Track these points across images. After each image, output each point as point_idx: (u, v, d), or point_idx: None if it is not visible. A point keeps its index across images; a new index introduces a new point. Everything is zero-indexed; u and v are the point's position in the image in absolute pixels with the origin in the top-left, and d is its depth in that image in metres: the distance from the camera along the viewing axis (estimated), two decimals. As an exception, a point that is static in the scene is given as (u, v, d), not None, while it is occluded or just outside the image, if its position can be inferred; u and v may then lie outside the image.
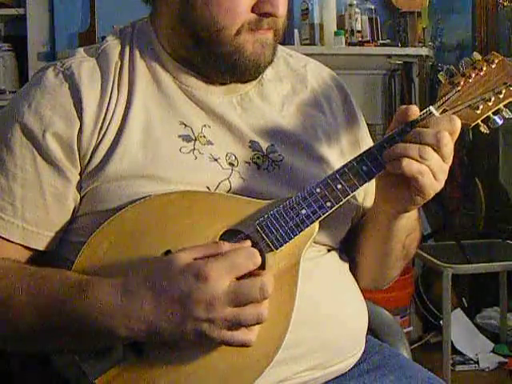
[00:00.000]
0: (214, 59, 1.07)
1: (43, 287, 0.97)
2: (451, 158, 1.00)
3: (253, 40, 1.06)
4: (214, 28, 1.04)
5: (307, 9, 3.18)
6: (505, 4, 3.52)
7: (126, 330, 0.91)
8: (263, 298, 0.91)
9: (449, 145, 0.98)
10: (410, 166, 0.98)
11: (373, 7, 3.33)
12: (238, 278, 0.92)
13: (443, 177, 1.01)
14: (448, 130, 0.99)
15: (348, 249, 1.21)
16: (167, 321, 0.90)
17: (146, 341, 0.94)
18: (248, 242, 0.97)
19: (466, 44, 3.62)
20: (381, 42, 3.30)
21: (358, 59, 3.24)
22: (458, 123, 1.00)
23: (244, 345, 0.92)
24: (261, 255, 0.95)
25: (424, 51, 3.38)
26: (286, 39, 3.05)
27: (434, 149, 0.98)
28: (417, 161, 0.98)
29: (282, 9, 1.04)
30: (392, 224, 1.11)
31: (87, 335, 0.94)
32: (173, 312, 0.90)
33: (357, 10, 3.25)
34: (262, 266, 0.96)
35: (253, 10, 1.04)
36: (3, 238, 1.04)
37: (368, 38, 3.25)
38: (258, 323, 0.92)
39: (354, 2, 3.27)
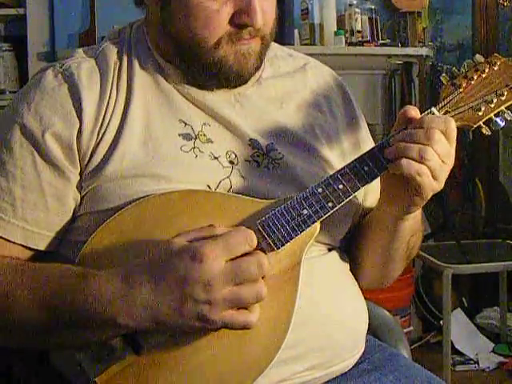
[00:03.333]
0: (196, 68, 1.07)
1: (44, 281, 0.97)
2: (450, 157, 1.00)
3: (234, 51, 1.05)
4: (193, 40, 1.04)
5: (307, 9, 3.17)
6: (505, 4, 3.52)
7: (127, 317, 0.91)
8: (261, 274, 0.91)
9: (441, 143, 0.98)
10: (409, 166, 0.98)
11: (373, 7, 3.32)
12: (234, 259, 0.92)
13: (443, 177, 1.00)
14: (439, 128, 0.98)
15: (350, 248, 1.21)
16: (167, 305, 0.90)
17: (148, 329, 0.93)
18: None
19: (465, 44, 3.62)
20: (381, 42, 3.29)
21: (358, 59, 3.24)
22: (452, 123, 0.99)
23: (245, 326, 0.92)
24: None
25: (424, 51, 3.37)
26: (286, 39, 3.05)
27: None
28: (417, 161, 0.97)
29: (260, 19, 1.02)
30: (397, 225, 1.11)
31: (89, 326, 0.94)
32: (172, 295, 0.90)
33: (357, 10, 3.24)
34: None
35: (232, 21, 1.03)
36: (4, 239, 1.03)
37: (368, 38, 3.24)
38: (257, 301, 0.92)
39: (354, 2, 3.26)
